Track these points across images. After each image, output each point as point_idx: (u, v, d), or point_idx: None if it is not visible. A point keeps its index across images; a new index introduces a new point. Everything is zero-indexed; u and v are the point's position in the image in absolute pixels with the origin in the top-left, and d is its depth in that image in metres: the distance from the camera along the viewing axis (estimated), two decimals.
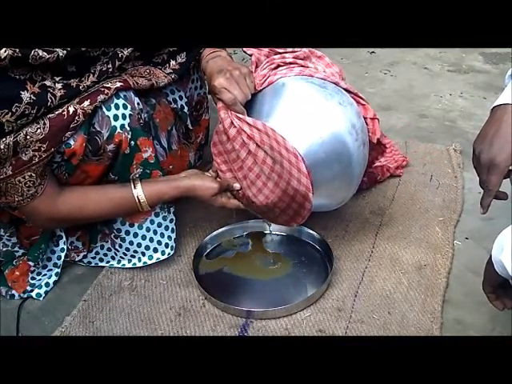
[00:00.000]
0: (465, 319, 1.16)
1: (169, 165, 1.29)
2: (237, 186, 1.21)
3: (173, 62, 1.26)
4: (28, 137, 1.05)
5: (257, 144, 1.14)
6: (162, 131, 1.28)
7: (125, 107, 1.14)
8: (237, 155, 1.18)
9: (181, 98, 1.34)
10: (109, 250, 1.32)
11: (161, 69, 1.24)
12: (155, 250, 1.29)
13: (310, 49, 1.22)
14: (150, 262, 1.30)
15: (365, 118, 1.22)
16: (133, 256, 1.30)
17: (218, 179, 1.25)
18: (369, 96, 1.99)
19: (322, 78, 1.19)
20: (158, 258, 1.29)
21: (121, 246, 1.29)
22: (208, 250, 1.37)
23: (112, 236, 1.30)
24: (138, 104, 1.16)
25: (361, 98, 1.25)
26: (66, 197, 1.17)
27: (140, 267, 1.32)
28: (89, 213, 1.21)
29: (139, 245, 1.28)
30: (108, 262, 1.33)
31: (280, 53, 1.24)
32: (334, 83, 1.20)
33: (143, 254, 1.29)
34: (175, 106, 1.32)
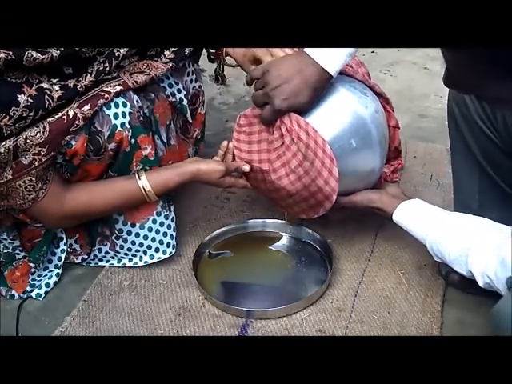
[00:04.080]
0: (465, 319, 1.16)
1: (168, 161, 1.29)
2: (246, 167, 1.23)
3: (167, 52, 1.25)
4: (28, 140, 1.05)
5: (292, 139, 1.13)
6: (161, 126, 1.28)
7: (124, 105, 1.14)
8: (271, 140, 1.18)
9: (179, 91, 1.33)
10: (107, 252, 1.32)
11: (157, 60, 1.24)
12: (157, 250, 1.29)
13: None
14: (151, 262, 1.30)
15: (388, 126, 1.23)
16: (134, 255, 1.30)
17: (224, 161, 1.26)
18: None
19: (361, 81, 1.20)
20: (159, 258, 1.29)
21: (122, 247, 1.29)
22: (208, 250, 1.37)
23: (113, 237, 1.29)
24: (138, 101, 1.17)
25: (389, 104, 1.26)
26: (73, 195, 1.17)
27: (140, 267, 1.32)
28: (97, 208, 1.21)
29: (141, 245, 1.28)
30: (108, 261, 1.33)
31: None
32: (371, 87, 1.21)
33: (145, 252, 1.29)
34: (174, 99, 1.32)
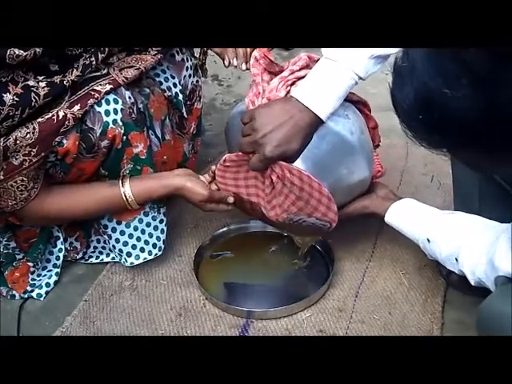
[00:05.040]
0: (465, 319, 1.16)
1: (163, 156, 1.28)
2: (230, 199, 1.20)
3: None
4: (18, 141, 1.05)
5: (284, 183, 1.10)
6: (156, 121, 1.27)
7: (116, 102, 1.13)
8: (261, 180, 1.14)
9: (175, 85, 1.31)
10: (105, 242, 1.33)
11: (145, 54, 1.22)
12: (142, 250, 1.28)
13: (308, 54, 1.20)
14: (136, 263, 1.28)
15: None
16: (119, 255, 1.29)
17: (212, 186, 1.22)
18: (370, 96, 1.97)
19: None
20: (144, 258, 1.28)
21: (108, 243, 1.30)
22: (209, 251, 1.37)
23: (100, 231, 1.30)
24: (130, 98, 1.16)
25: (366, 106, 1.24)
26: (55, 198, 1.18)
27: (141, 267, 1.32)
28: (77, 212, 1.22)
29: (125, 243, 1.27)
30: (108, 254, 1.34)
31: (283, 69, 1.20)
32: (349, 100, 1.17)
33: (128, 254, 1.27)
34: (169, 93, 1.30)
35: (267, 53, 1.19)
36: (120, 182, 1.19)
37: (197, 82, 1.40)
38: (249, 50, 1.32)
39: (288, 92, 1.13)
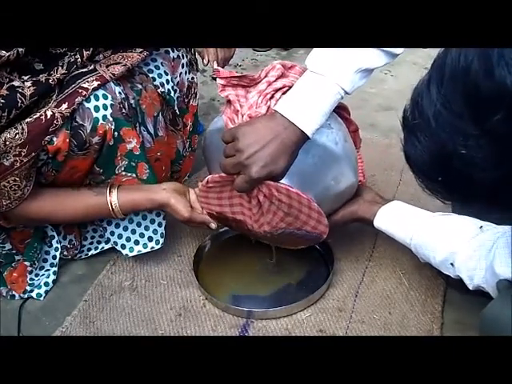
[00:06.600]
0: (465, 319, 1.16)
1: (156, 152, 1.28)
2: (213, 225, 1.21)
3: None
4: (7, 143, 1.05)
5: (272, 202, 1.07)
6: (148, 117, 1.26)
7: (105, 97, 1.12)
8: (247, 201, 1.12)
9: (168, 81, 1.30)
10: (101, 230, 1.33)
11: (131, 51, 1.21)
12: (136, 243, 1.28)
13: (281, 62, 1.15)
14: (131, 255, 1.28)
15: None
16: (114, 247, 1.30)
17: (198, 208, 1.22)
18: (370, 96, 1.99)
19: None
20: (139, 251, 1.28)
21: (102, 236, 1.30)
22: (209, 251, 1.37)
23: (96, 222, 1.31)
24: (120, 93, 1.15)
25: (346, 110, 1.23)
26: (46, 201, 1.18)
27: (141, 267, 1.32)
28: (64, 217, 1.23)
29: (120, 236, 1.27)
30: (107, 241, 1.33)
31: (254, 79, 1.15)
32: None
33: (123, 246, 1.28)
34: (162, 90, 1.29)
35: (230, 73, 1.16)
36: (108, 190, 1.20)
37: (192, 78, 1.40)
38: (226, 55, 1.39)
39: (268, 107, 1.09)
